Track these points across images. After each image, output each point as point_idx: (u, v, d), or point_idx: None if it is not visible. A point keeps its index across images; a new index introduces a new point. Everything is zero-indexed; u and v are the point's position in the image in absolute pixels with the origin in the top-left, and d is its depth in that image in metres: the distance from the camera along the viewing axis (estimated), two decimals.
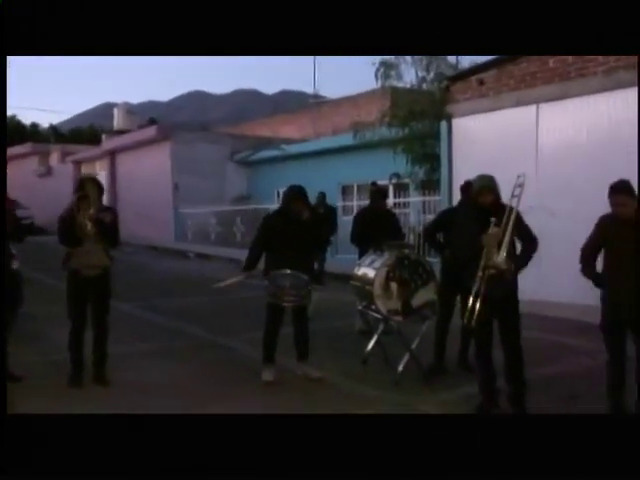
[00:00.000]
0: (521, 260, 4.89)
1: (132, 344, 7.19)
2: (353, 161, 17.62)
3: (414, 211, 13.98)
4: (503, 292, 4.78)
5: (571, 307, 7.45)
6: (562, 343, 7.04)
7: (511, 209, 4.74)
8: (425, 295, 5.91)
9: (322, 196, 12.62)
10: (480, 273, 4.66)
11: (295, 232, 5.75)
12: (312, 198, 11.92)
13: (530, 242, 4.94)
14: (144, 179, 24.98)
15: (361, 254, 6.98)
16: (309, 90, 42.10)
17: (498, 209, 4.86)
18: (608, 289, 4.55)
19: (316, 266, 11.46)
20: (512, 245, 4.78)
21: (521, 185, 4.84)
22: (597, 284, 4.65)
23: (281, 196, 6.01)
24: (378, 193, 7.85)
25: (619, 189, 4.40)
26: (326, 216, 11.85)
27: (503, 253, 4.57)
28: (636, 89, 8.70)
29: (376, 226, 7.12)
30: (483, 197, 4.88)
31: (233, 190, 23.32)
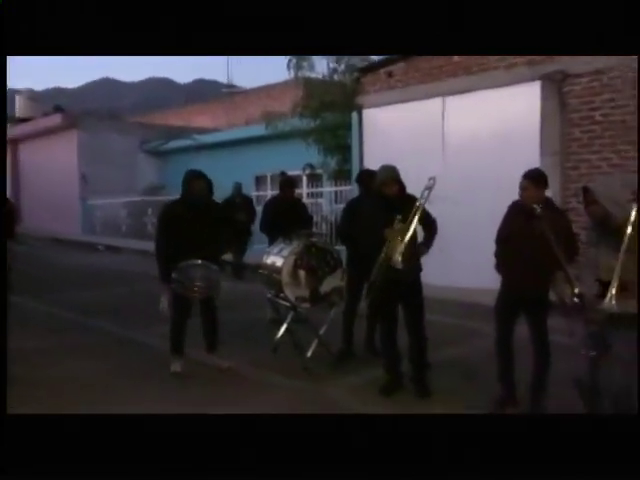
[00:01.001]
0: (425, 246, 5.08)
1: (39, 340, 6.95)
2: (267, 152, 17.60)
3: (327, 201, 14.12)
4: (406, 278, 4.93)
5: (474, 291, 7.72)
6: (464, 326, 7.31)
7: (417, 207, 4.88)
8: (332, 282, 6.01)
9: (238, 186, 12.51)
10: (381, 262, 4.81)
11: (198, 219, 5.62)
12: (227, 188, 11.90)
13: (430, 227, 5.13)
14: (49, 169, 24.04)
15: (271, 243, 7.00)
16: (223, 80, 41.64)
17: (404, 200, 5.02)
18: (504, 272, 4.73)
19: (231, 259, 11.50)
20: (414, 239, 4.93)
21: (430, 188, 4.95)
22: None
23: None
24: (287, 182, 7.88)
25: (525, 174, 4.57)
26: (243, 206, 11.79)
27: (399, 253, 4.69)
28: (537, 83, 9.22)
29: (285, 215, 7.16)
30: (388, 188, 5.00)
31: (144, 180, 22.78)
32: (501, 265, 4.73)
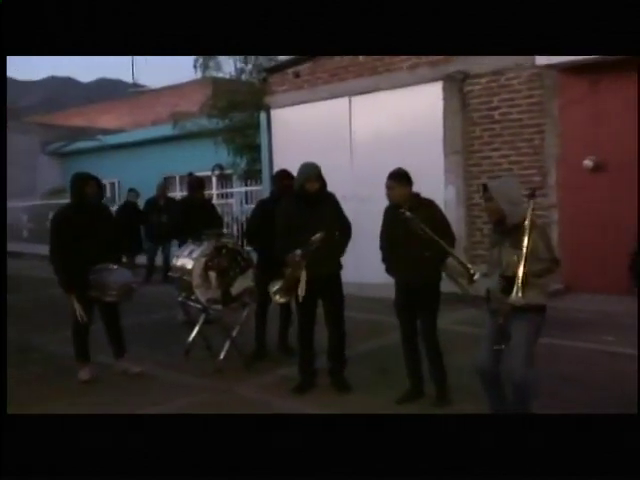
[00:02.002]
0: (344, 244, 5.22)
1: None
2: (175, 152, 17.29)
3: (237, 201, 14.03)
4: (327, 272, 5.04)
5: (385, 287, 7.89)
6: (377, 321, 7.44)
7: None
8: (244, 282, 5.97)
9: (162, 186, 11.81)
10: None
11: (92, 223, 5.48)
12: (150, 189, 11.47)
13: (348, 230, 5.24)
14: None
15: (181, 245, 6.89)
16: (127, 79, 40.56)
17: (325, 197, 5.09)
18: (394, 273, 4.88)
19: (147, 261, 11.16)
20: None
21: None
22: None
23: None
24: (196, 183, 7.77)
25: (390, 175, 4.76)
26: (166, 208, 11.13)
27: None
28: (439, 83, 9.50)
29: (195, 216, 7.07)
30: (310, 184, 5.04)
31: (46, 183, 21.87)
32: (390, 267, 4.87)
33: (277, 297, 5.20)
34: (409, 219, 4.51)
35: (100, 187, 5.67)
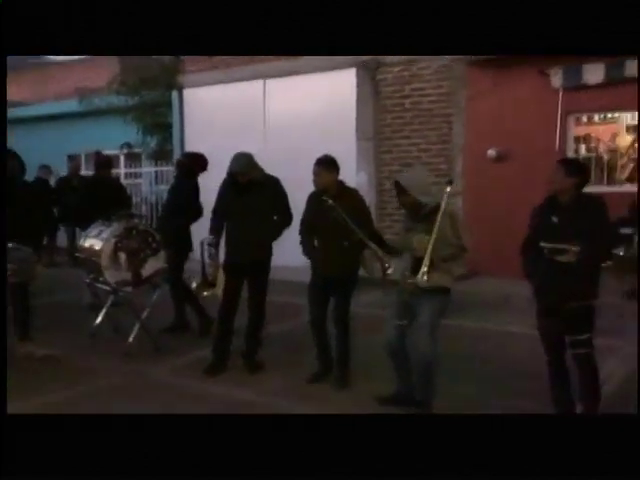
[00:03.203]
0: (275, 231, 5.25)
1: None
2: (80, 129, 16.59)
3: (147, 181, 13.72)
4: (254, 258, 5.13)
5: (302, 270, 8.00)
6: (292, 303, 7.51)
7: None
8: (155, 264, 5.90)
9: (75, 165, 11.27)
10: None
11: (11, 201, 5.21)
12: (35, 167, 10.97)
13: (284, 217, 5.26)
14: None
15: (87, 226, 6.69)
16: None
17: (259, 185, 5.11)
18: (311, 257, 4.97)
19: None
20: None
21: None
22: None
23: None
24: (103, 162, 7.53)
25: (317, 160, 4.84)
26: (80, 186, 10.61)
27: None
28: (353, 70, 9.62)
29: (102, 196, 6.87)
30: (240, 177, 5.07)
31: None
32: (308, 251, 4.96)
33: (199, 291, 5.27)
34: (331, 207, 4.59)
35: (21, 164, 5.44)
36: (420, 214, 4.11)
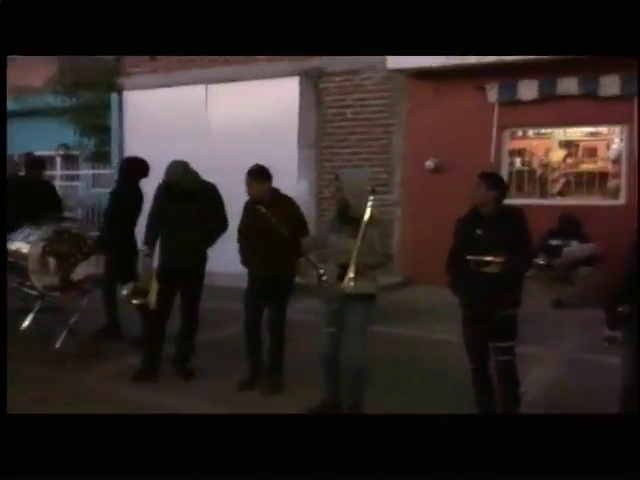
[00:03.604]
0: (210, 238, 5.22)
1: None
2: (14, 129, 16.10)
3: (84, 184, 13.41)
4: (188, 265, 5.07)
5: (239, 277, 7.98)
6: (227, 309, 7.44)
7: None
8: (86, 269, 5.76)
9: (14, 164, 10.90)
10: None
11: None
12: None
13: (219, 224, 5.23)
14: None
15: (15, 228, 6.46)
16: None
17: (195, 193, 5.06)
18: (248, 265, 4.97)
19: None
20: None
21: None
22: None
23: None
24: (33, 162, 7.30)
25: (248, 172, 4.83)
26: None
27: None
28: (296, 78, 9.65)
29: (32, 198, 6.64)
30: (175, 185, 5.02)
31: None
32: (244, 259, 4.96)
33: (130, 299, 5.24)
34: (265, 215, 4.59)
35: None
36: (347, 216, 4.14)
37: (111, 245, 6.04)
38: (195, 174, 5.14)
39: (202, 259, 5.24)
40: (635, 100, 7.87)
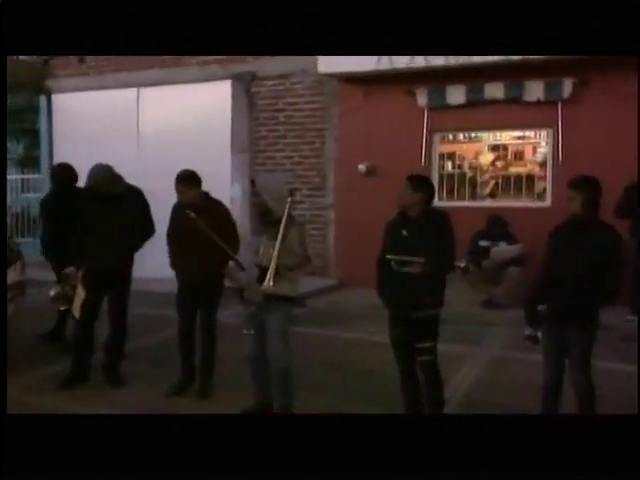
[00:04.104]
0: (136, 243, 5.19)
1: None
2: None
3: (12, 189, 13.01)
4: (112, 268, 4.99)
5: (171, 281, 7.89)
6: (159, 315, 7.36)
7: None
8: (11, 276, 5.58)
9: None
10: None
11: None
12: None
13: (145, 228, 5.22)
14: None
15: None
16: None
17: (120, 197, 5.00)
18: (177, 268, 4.94)
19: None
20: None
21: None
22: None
23: None
24: None
25: (176, 177, 4.78)
26: None
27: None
28: (228, 82, 9.62)
29: None
30: (97, 190, 4.94)
31: None
32: (174, 263, 4.94)
33: (56, 304, 5.17)
34: (194, 220, 4.57)
35: None
36: (268, 220, 4.17)
37: (50, 251, 5.96)
38: (119, 178, 5.08)
39: (128, 264, 5.18)
40: (559, 105, 8.19)
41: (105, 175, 4.97)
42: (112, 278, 5.04)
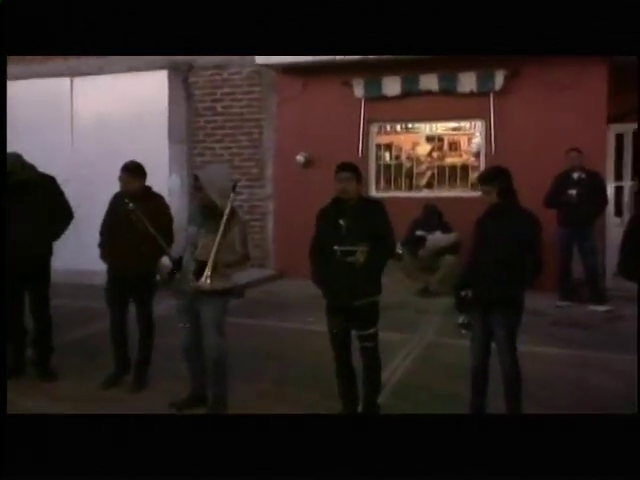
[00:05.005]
0: (53, 232, 5.05)
1: None
2: None
3: None
4: (31, 257, 4.87)
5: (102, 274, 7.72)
6: (93, 308, 7.23)
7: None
8: None
9: None
10: None
11: None
12: None
13: (62, 216, 5.09)
14: None
15: None
16: None
17: (33, 185, 4.89)
18: (109, 260, 4.88)
19: None
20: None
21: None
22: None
23: None
24: None
25: (123, 167, 4.75)
26: None
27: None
28: (164, 72, 9.47)
29: None
30: (19, 174, 4.82)
31: None
32: (105, 254, 4.87)
33: None
34: (131, 211, 4.52)
35: None
36: (209, 213, 4.14)
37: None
38: (30, 166, 4.97)
39: (45, 254, 5.05)
40: (491, 96, 8.38)
41: (15, 163, 4.85)
42: (31, 270, 4.93)
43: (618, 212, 8.60)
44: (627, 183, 8.67)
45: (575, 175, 7.44)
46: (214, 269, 3.92)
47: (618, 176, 8.72)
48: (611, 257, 7.49)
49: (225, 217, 3.98)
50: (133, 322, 4.97)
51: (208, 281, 3.90)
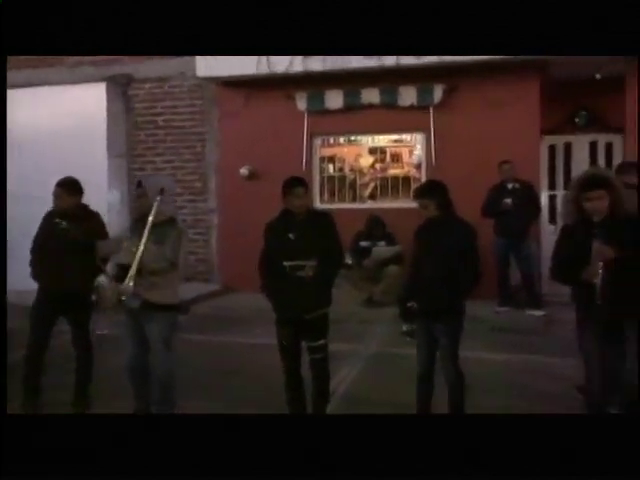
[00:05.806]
0: None
1: None
2: None
3: None
4: None
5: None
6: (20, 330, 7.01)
7: None
8: None
9: None
10: None
11: None
12: None
13: None
14: None
15: None
16: None
17: None
18: (40, 278, 4.73)
19: None
20: None
21: None
22: None
23: None
24: None
25: (58, 182, 4.63)
26: None
27: None
28: (103, 84, 9.33)
29: None
30: None
31: None
32: (37, 273, 4.73)
33: None
34: (66, 230, 4.43)
35: None
36: (147, 219, 4.07)
37: None
38: None
39: None
40: (431, 110, 8.57)
41: None
42: None
43: (552, 220, 8.90)
44: (560, 192, 8.99)
45: (509, 185, 7.68)
46: (138, 273, 3.84)
47: (551, 185, 9.05)
48: (546, 263, 7.70)
49: (149, 221, 3.90)
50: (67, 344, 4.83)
51: (130, 284, 3.82)
